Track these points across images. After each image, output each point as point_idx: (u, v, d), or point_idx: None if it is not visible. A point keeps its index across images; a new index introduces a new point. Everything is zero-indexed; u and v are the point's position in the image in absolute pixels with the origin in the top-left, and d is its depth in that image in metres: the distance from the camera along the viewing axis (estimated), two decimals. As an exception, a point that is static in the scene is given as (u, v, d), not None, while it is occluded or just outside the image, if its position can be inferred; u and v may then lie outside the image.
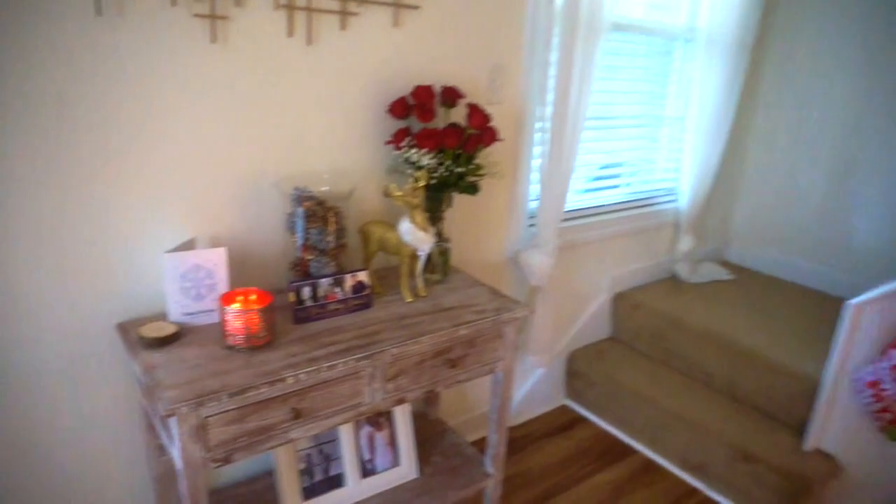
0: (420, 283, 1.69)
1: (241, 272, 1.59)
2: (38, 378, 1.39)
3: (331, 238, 1.53)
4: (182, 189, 1.46)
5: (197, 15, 1.37)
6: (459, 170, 1.67)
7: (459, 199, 1.87)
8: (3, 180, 1.25)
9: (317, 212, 1.51)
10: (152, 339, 1.33)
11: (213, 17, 1.39)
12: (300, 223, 1.51)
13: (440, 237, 1.77)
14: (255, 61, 1.48)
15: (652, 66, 2.57)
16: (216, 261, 1.42)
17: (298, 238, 1.53)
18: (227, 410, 1.24)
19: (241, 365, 1.30)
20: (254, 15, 1.45)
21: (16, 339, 1.35)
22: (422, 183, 1.59)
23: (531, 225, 2.18)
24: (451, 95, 1.73)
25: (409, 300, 1.65)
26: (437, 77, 1.78)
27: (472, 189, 1.75)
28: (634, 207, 2.66)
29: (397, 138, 1.66)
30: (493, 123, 1.73)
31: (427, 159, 1.62)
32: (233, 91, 1.47)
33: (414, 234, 1.58)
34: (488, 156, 1.78)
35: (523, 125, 2.05)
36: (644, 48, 2.50)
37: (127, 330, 1.40)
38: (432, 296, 1.70)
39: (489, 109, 1.78)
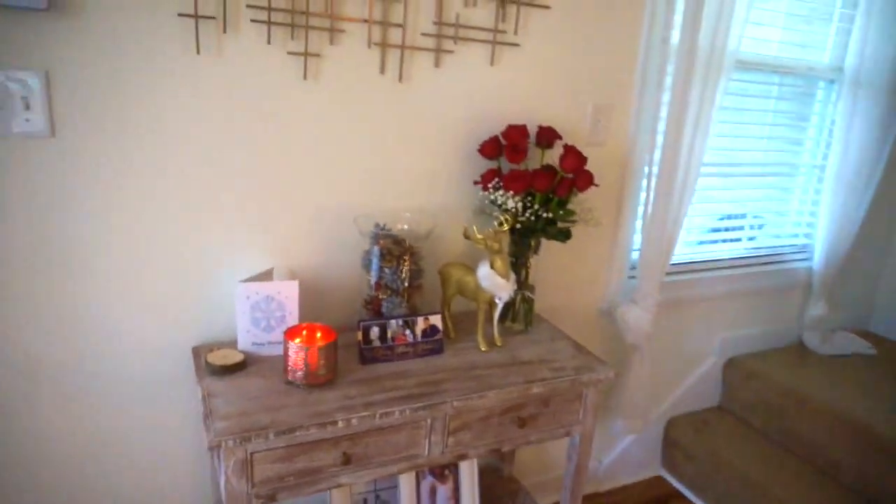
0: (497, 332, 1.59)
1: (315, 306, 1.58)
2: (120, 390, 1.45)
3: (405, 278, 1.49)
4: (264, 220, 1.49)
5: (291, 53, 1.40)
6: (547, 215, 1.56)
7: (550, 245, 1.76)
8: (100, 211, 1.33)
9: (392, 250, 1.47)
10: (217, 367, 1.35)
11: (306, 54, 1.41)
12: (375, 261, 1.48)
13: (523, 284, 1.67)
14: (345, 98, 1.48)
15: (786, 108, 2.32)
16: (288, 293, 1.42)
17: (372, 276, 1.50)
18: (275, 448, 1.21)
19: (297, 402, 1.27)
20: (347, 52, 1.46)
21: (107, 353, 1.42)
22: (505, 227, 1.51)
23: (631, 277, 2.01)
24: (547, 136, 1.65)
25: (484, 349, 1.56)
26: (534, 116, 1.70)
27: (563, 235, 1.64)
28: (758, 264, 2.38)
29: (486, 179, 1.60)
30: (589, 167, 1.62)
31: (512, 202, 1.53)
32: (322, 126, 1.48)
33: (492, 280, 1.50)
34: (583, 201, 1.66)
35: (628, 169, 1.91)
36: (777, 89, 2.26)
37: (199, 354, 1.43)
38: (510, 346, 1.60)
39: (590, 151, 1.67)
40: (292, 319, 1.44)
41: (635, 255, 2.01)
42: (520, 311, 1.69)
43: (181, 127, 1.35)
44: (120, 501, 1.54)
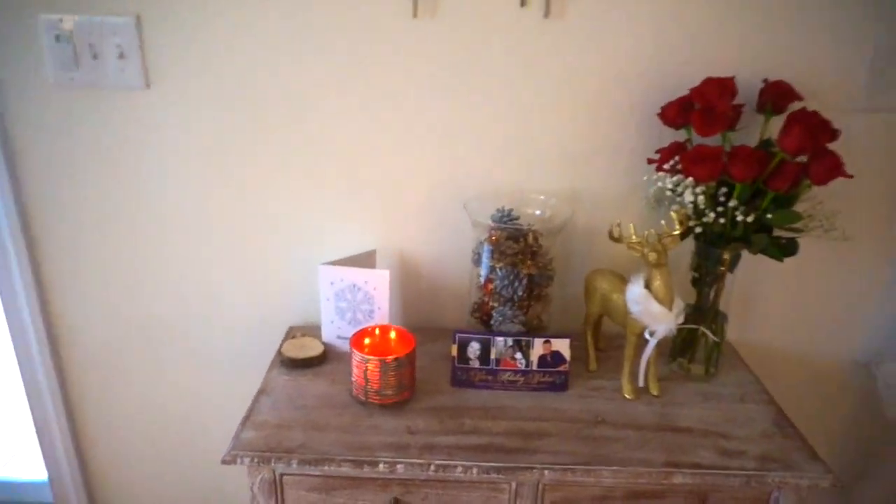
0: (652, 375, 1.13)
1: (424, 302, 1.31)
2: (224, 357, 1.38)
3: (521, 284, 1.12)
4: (370, 193, 1.24)
5: (397, -20, 1.10)
6: (750, 218, 1.02)
7: (759, 259, 1.18)
8: (197, 173, 1.23)
9: (506, 248, 1.11)
10: (286, 359, 1.17)
11: (420, -19, 1.10)
12: (485, 259, 1.14)
13: (707, 313, 1.15)
14: (467, 40, 1.14)
15: None
16: (377, 284, 1.17)
17: (481, 276, 1.16)
18: (308, 475, 0.99)
19: (347, 423, 1.03)
20: (475, -22, 1.11)
21: (212, 320, 1.35)
22: (677, 230, 1.03)
23: (919, 319, 1.30)
24: (775, 95, 1.08)
25: (630, 397, 1.12)
26: (759, 67, 1.13)
27: (779, 250, 1.08)
28: None
29: (664, 156, 1.11)
30: (851, 146, 1.03)
31: (691, 194, 1.03)
32: (435, 79, 1.16)
33: (645, 305, 1.04)
34: (821, 198, 1.08)
35: (934, 153, 1.20)
36: None
37: (292, 336, 1.28)
38: (670, 399, 1.12)
39: (860, 123, 1.08)
40: (381, 315, 1.19)
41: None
42: (702, 349, 1.18)
43: (283, 78, 1.17)
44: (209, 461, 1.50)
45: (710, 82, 1.06)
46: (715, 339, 1.14)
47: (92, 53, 1.15)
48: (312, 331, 1.27)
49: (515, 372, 1.12)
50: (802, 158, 1.04)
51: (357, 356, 1.04)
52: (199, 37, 1.14)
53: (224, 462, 0.95)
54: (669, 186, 1.05)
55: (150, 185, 1.25)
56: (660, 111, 1.13)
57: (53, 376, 1.38)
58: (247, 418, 1.04)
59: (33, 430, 1.43)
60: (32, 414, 1.42)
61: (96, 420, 1.45)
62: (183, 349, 1.37)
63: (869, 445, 1.37)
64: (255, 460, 0.96)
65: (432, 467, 0.95)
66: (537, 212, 1.18)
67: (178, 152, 1.22)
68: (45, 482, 1.49)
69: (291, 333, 1.27)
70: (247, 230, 1.28)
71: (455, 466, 0.95)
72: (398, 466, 0.95)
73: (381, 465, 0.95)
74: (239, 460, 0.96)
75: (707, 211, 1.04)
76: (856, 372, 1.36)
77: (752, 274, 1.27)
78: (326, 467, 0.96)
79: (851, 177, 1.02)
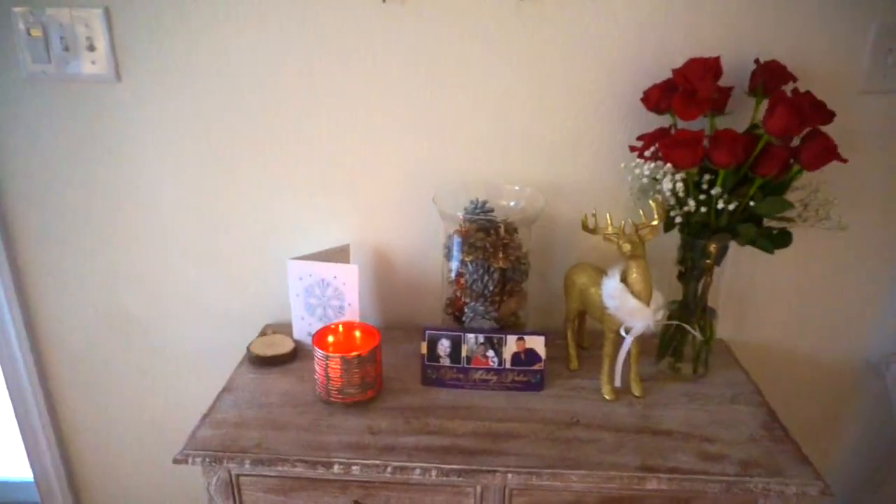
0: (634, 375, 1.06)
1: (395, 297, 1.27)
2: (200, 356, 1.36)
3: (492, 278, 1.06)
4: (342, 187, 1.20)
5: (368, -36, 1.06)
6: (730, 207, 0.95)
7: (754, 253, 1.11)
8: (170, 167, 1.21)
9: (476, 240, 1.05)
10: (254, 356, 1.14)
11: (391, -34, 1.06)
12: (455, 253, 1.09)
13: (695, 309, 1.08)
14: (439, 26, 1.09)
15: None
16: (346, 279, 1.13)
17: (452, 271, 1.11)
18: (264, 476, 0.95)
19: (307, 423, 0.99)
20: (447, -40, 1.06)
21: (188, 317, 1.33)
22: (654, 221, 0.97)
23: (932, 317, 1.21)
24: (767, 76, 1.01)
25: (609, 398, 1.05)
26: (753, 49, 1.06)
27: (768, 241, 1.00)
28: None
29: (647, 143, 1.05)
30: (857, 129, 0.96)
31: (670, 181, 0.97)
32: (407, 67, 1.12)
33: (621, 300, 0.98)
34: (817, 185, 1.00)
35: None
36: None
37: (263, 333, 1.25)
38: (652, 399, 1.05)
39: (864, 106, 1.03)
40: (352, 312, 1.15)
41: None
42: (690, 347, 1.11)
43: (253, 70, 1.14)
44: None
45: (693, 63, 0.99)
46: (699, 336, 1.07)
47: (63, 46, 1.14)
48: (286, 328, 1.23)
49: (487, 370, 1.07)
50: (796, 142, 0.97)
51: (318, 353, 1.00)
52: (169, 30, 1.12)
53: (175, 461, 0.92)
54: (646, 173, 0.99)
55: (124, 180, 1.23)
56: (642, 96, 1.07)
57: (35, 376, 1.38)
58: (206, 417, 1.01)
59: (16, 429, 1.43)
60: (16, 414, 1.41)
61: (79, 418, 1.44)
62: (160, 347, 1.36)
63: (881, 450, 1.27)
64: (208, 460, 0.92)
65: (389, 469, 0.90)
66: (511, 203, 1.12)
67: (150, 147, 1.20)
68: (31, 481, 1.49)
69: (264, 331, 1.24)
70: (222, 227, 1.25)
71: (413, 468, 0.90)
72: (354, 468, 0.91)
73: (335, 467, 0.91)
74: (191, 460, 0.92)
75: (688, 199, 0.98)
76: (866, 373, 1.26)
77: (747, 268, 1.20)
78: (280, 468, 0.92)
79: (846, 161, 0.95)
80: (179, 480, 1.47)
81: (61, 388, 1.41)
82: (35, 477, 1.48)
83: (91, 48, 1.13)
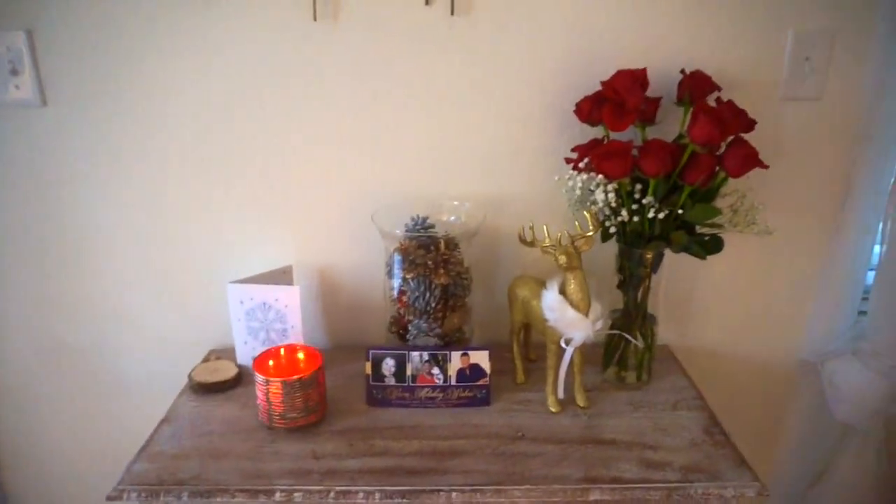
0: (578, 386, 1.07)
1: (340, 318, 1.26)
2: (142, 383, 1.32)
3: (435, 294, 1.06)
4: (281, 206, 1.19)
5: (296, -17, 1.06)
6: (660, 215, 0.97)
7: (689, 259, 1.13)
8: (103, 191, 1.18)
9: (416, 257, 1.05)
10: (196, 384, 1.11)
11: (317, -17, 1.05)
12: (396, 270, 1.08)
13: (636, 317, 1.10)
14: (371, 43, 1.09)
15: None
16: (287, 301, 1.11)
17: (394, 289, 1.10)
18: (206, 509, 0.93)
19: (249, 450, 0.97)
20: (376, -22, 1.06)
21: (127, 345, 1.29)
22: (589, 232, 0.98)
23: (862, 312, 1.24)
24: (692, 86, 1.03)
25: (554, 410, 1.06)
26: (679, 59, 1.08)
27: (701, 247, 1.02)
28: None
29: (581, 155, 1.06)
30: (785, 134, 1.00)
31: (602, 192, 0.98)
32: (340, 86, 1.11)
33: (560, 311, 0.99)
34: (743, 191, 1.03)
35: (863, 140, 1.15)
36: None
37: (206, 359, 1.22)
38: (597, 410, 1.06)
39: (787, 112, 1.09)
40: (296, 335, 1.13)
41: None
42: (633, 356, 1.12)
43: (184, 90, 1.12)
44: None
45: (620, 75, 1.01)
46: (638, 343, 1.08)
47: (-16, 70, 1.11)
48: (231, 353, 1.21)
49: (433, 388, 1.06)
50: (721, 150, 0.99)
51: (259, 378, 0.98)
52: (95, 52, 1.10)
53: (109, 498, 0.89)
54: (579, 185, 1.00)
55: (54, 207, 1.19)
56: (575, 108, 1.08)
57: (-32, 411, 1.32)
58: (143, 449, 0.98)
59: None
60: (-52, 452, 1.35)
61: (14, 452, 1.39)
62: (99, 377, 1.31)
63: (820, 446, 1.30)
64: (143, 495, 0.89)
65: (332, 494, 0.89)
66: (452, 218, 1.13)
67: (81, 171, 1.17)
68: (-33, 523, 1.43)
69: (207, 357, 1.21)
70: (160, 250, 1.23)
71: (357, 492, 0.89)
72: (296, 495, 0.89)
73: (277, 494, 0.89)
74: (126, 495, 0.89)
75: (621, 209, 0.99)
76: (802, 372, 1.30)
77: (683, 274, 1.22)
78: (220, 499, 0.89)
79: (767, 167, 0.98)
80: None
81: (-4, 424, 1.36)
82: (-29, 519, 1.42)
83: (14, 72, 1.10)
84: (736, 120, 0.95)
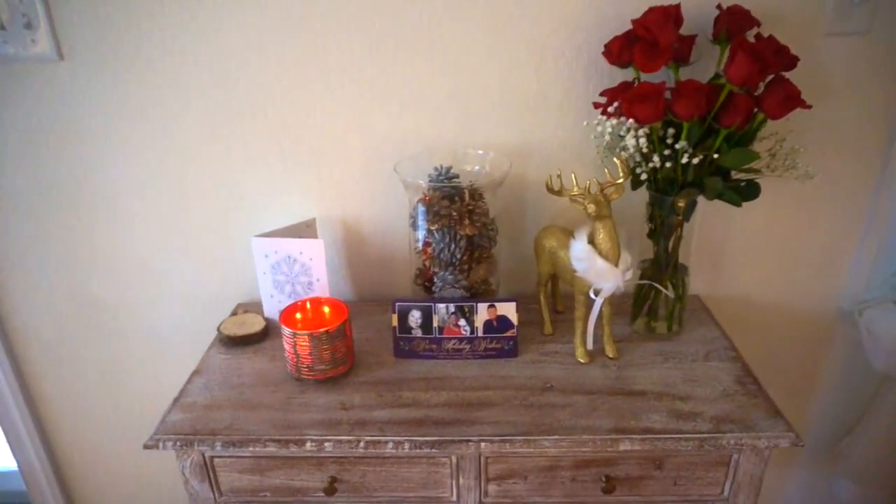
0: (608, 337, 1.05)
1: (366, 271, 1.25)
2: (172, 338, 1.35)
3: (460, 245, 1.04)
4: (304, 159, 1.17)
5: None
6: (694, 161, 0.93)
7: (723, 206, 1.09)
8: (124, 147, 1.16)
9: (441, 208, 1.03)
10: (225, 337, 1.12)
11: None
12: (420, 222, 1.07)
13: (667, 266, 1.07)
14: (393, -17, 1.05)
15: None
16: (312, 254, 1.11)
17: (419, 241, 1.09)
18: (238, 457, 0.95)
19: (279, 401, 0.98)
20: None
21: (157, 300, 1.31)
22: (619, 179, 0.95)
23: (905, 263, 1.20)
24: (730, 22, 0.97)
25: (583, 361, 1.05)
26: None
27: (735, 194, 0.98)
28: None
29: (609, 98, 1.02)
30: (830, 72, 0.94)
31: (633, 137, 0.94)
32: (361, 34, 1.07)
33: (590, 262, 0.96)
34: (783, 134, 0.98)
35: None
36: None
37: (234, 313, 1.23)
38: (627, 361, 1.05)
39: (831, 48, 0.99)
40: (321, 287, 1.13)
41: (921, 227, 1.18)
42: (663, 306, 1.10)
43: (204, 44, 1.09)
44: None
45: (652, 11, 0.95)
46: (670, 294, 1.06)
47: None
48: (258, 307, 1.22)
49: (460, 340, 1.06)
50: (761, 90, 0.94)
51: (286, 331, 0.99)
52: (112, 4, 1.07)
53: (146, 447, 0.91)
54: (608, 131, 0.96)
55: (76, 163, 1.19)
56: (604, 49, 1.03)
57: (9, 367, 1.36)
58: (176, 400, 0.99)
59: (-5, 419, 1.42)
60: (-7, 404, 1.40)
61: (56, 406, 1.43)
62: (130, 331, 1.34)
63: (859, 398, 1.28)
64: (179, 444, 0.91)
65: (362, 444, 0.90)
66: (476, 168, 1.10)
67: (100, 128, 1.16)
68: (15, 470, 1.49)
69: (235, 310, 1.22)
70: (184, 205, 1.22)
71: (386, 442, 0.90)
72: (326, 444, 0.90)
73: (308, 444, 0.90)
74: (161, 444, 0.92)
75: (653, 155, 0.95)
76: (839, 321, 1.26)
77: (717, 222, 1.18)
78: (252, 448, 0.91)
79: (810, 107, 0.92)
80: (158, 462, 1.47)
81: (37, 377, 1.40)
82: (19, 465, 1.48)
83: (28, 25, 1.08)
84: (777, 57, 0.90)
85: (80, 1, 1.07)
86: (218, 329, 1.14)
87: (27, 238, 1.25)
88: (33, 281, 1.30)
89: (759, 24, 0.98)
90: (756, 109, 0.92)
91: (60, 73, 1.12)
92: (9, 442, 1.44)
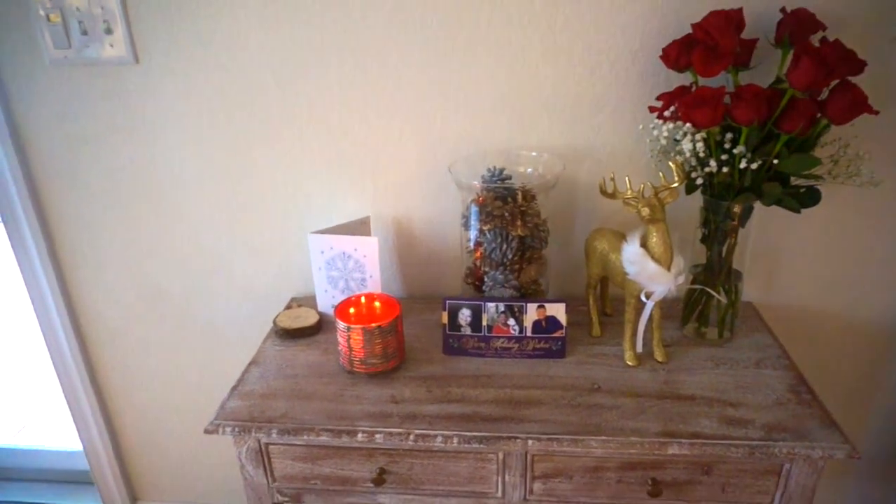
0: (658, 341, 1.05)
1: (417, 269, 1.28)
2: (228, 328, 1.40)
3: (512, 246, 1.06)
4: (360, 159, 1.20)
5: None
6: (753, 166, 0.92)
7: (781, 212, 1.07)
8: (191, 146, 1.22)
9: (494, 209, 1.05)
10: (280, 329, 1.16)
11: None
12: (473, 222, 1.08)
13: (719, 273, 1.06)
14: (452, -11, 1.07)
15: None
16: (366, 252, 1.14)
17: (471, 241, 1.10)
18: (291, 444, 0.99)
19: (332, 393, 1.01)
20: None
21: (217, 291, 1.36)
22: (674, 183, 0.94)
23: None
24: (794, 25, 0.96)
25: (631, 364, 1.05)
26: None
27: (795, 200, 0.97)
28: None
29: (666, 102, 1.02)
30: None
31: (689, 141, 0.94)
32: (419, 37, 1.10)
33: (641, 265, 0.96)
34: (847, 140, 0.96)
35: None
36: None
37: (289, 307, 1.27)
38: (676, 365, 1.04)
39: (886, 52, 0.95)
40: (374, 284, 1.16)
41: None
42: (716, 312, 1.09)
43: (269, 48, 1.13)
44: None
45: (713, 15, 0.95)
46: (723, 299, 1.04)
47: (81, 30, 1.16)
48: (311, 301, 1.26)
49: (509, 339, 1.07)
50: (824, 95, 0.93)
51: (340, 325, 1.02)
52: (185, 11, 1.12)
53: (207, 431, 0.96)
54: (664, 135, 0.96)
55: (147, 160, 1.25)
56: (662, 53, 1.03)
57: (78, 353, 1.44)
58: (234, 388, 1.04)
59: (64, 404, 1.50)
60: (62, 389, 1.48)
61: (120, 391, 1.50)
62: (191, 321, 1.40)
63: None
64: (237, 430, 0.96)
65: (412, 437, 0.92)
66: (529, 170, 1.11)
67: (171, 127, 1.22)
68: (80, 451, 1.57)
69: (290, 304, 1.26)
70: (245, 203, 1.27)
71: (435, 436, 0.92)
72: (377, 436, 0.93)
73: (359, 435, 0.93)
74: (221, 430, 0.96)
75: (709, 160, 0.95)
76: (906, 333, 1.23)
77: (773, 228, 1.16)
78: (306, 436, 0.94)
79: (877, 113, 0.90)
80: (215, 447, 1.53)
81: (102, 363, 1.47)
82: (84, 447, 1.56)
83: (108, 31, 1.15)
84: (843, 62, 0.88)
85: (154, 9, 1.13)
86: (274, 321, 1.18)
87: (100, 229, 1.33)
88: (102, 270, 1.37)
89: (824, 28, 0.96)
90: (819, 114, 0.91)
91: (135, 75, 1.18)
92: (75, 424, 1.53)
